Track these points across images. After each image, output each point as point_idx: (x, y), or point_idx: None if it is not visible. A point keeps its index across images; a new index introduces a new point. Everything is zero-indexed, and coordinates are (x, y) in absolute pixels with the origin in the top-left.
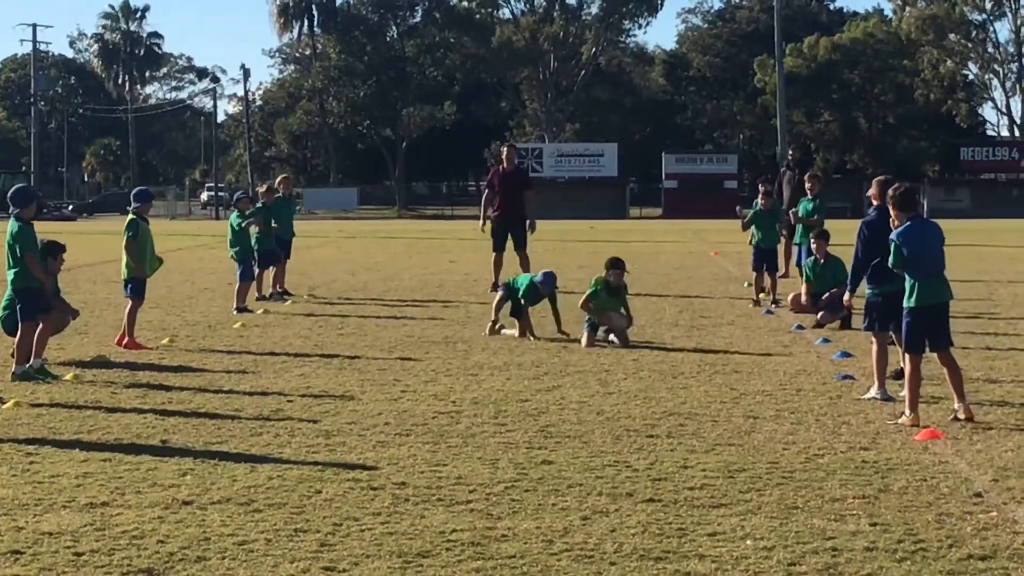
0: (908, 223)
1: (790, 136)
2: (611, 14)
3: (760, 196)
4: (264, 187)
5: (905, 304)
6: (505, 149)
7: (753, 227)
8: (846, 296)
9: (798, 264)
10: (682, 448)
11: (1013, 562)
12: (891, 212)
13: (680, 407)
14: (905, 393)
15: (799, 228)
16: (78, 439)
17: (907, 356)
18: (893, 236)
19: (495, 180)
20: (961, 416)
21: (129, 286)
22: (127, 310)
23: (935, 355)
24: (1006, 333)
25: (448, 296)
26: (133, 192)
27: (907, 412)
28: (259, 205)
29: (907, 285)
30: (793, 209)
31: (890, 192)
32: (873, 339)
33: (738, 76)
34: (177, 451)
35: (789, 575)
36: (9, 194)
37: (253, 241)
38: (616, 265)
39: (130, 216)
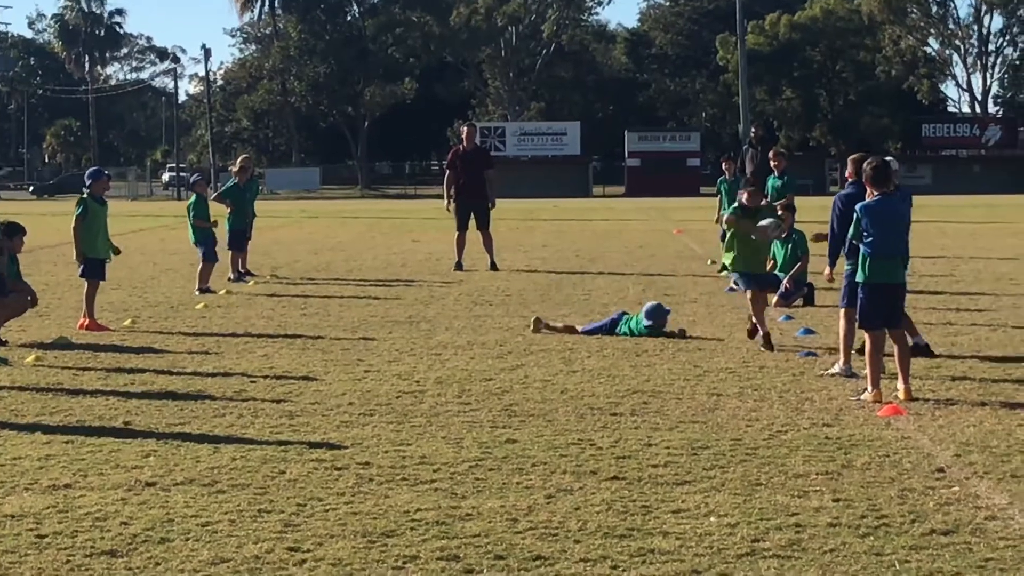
0: (877, 198)
1: (752, 114)
2: None
3: (725, 172)
4: (237, 167)
5: (857, 279)
6: (465, 128)
7: (725, 200)
8: (826, 271)
9: None
10: (646, 426)
11: (975, 537)
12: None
13: (644, 385)
14: (867, 370)
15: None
16: (40, 421)
17: (866, 333)
18: (857, 207)
19: (456, 160)
20: (901, 397)
21: (82, 267)
22: (84, 292)
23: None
24: (967, 308)
25: (411, 276)
26: (87, 172)
27: (869, 388)
28: (231, 184)
29: (859, 258)
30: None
31: (865, 167)
32: (842, 314)
33: (700, 54)
34: (140, 433)
35: (753, 551)
36: None
37: (226, 221)
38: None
39: (81, 195)
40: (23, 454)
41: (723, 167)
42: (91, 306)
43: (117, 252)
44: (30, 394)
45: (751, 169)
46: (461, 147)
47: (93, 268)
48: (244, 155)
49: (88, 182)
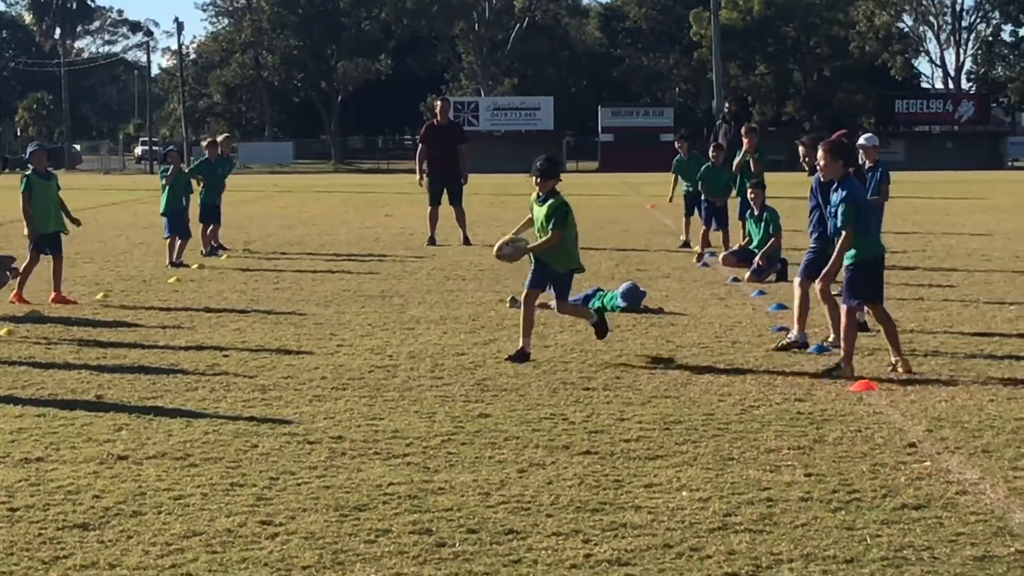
0: (850, 177)
1: (726, 89)
2: None
3: (680, 151)
4: (207, 141)
5: (848, 260)
6: (439, 103)
7: (680, 177)
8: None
9: (740, 217)
10: (618, 400)
11: (946, 511)
12: (828, 166)
13: (616, 360)
14: (841, 345)
15: (739, 181)
16: (12, 394)
17: (846, 309)
18: (847, 194)
19: (429, 134)
20: (900, 370)
21: (32, 243)
22: (52, 267)
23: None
24: (940, 284)
25: (384, 250)
26: (28, 147)
27: (843, 365)
28: (203, 159)
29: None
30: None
31: (826, 146)
32: (796, 283)
33: (674, 29)
34: (112, 406)
35: (725, 525)
36: None
37: (198, 196)
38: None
39: (24, 172)
40: None
41: (676, 146)
42: (57, 280)
43: (77, 223)
44: (1, 367)
45: (723, 144)
46: (435, 121)
47: (45, 243)
48: (226, 134)
49: (27, 156)
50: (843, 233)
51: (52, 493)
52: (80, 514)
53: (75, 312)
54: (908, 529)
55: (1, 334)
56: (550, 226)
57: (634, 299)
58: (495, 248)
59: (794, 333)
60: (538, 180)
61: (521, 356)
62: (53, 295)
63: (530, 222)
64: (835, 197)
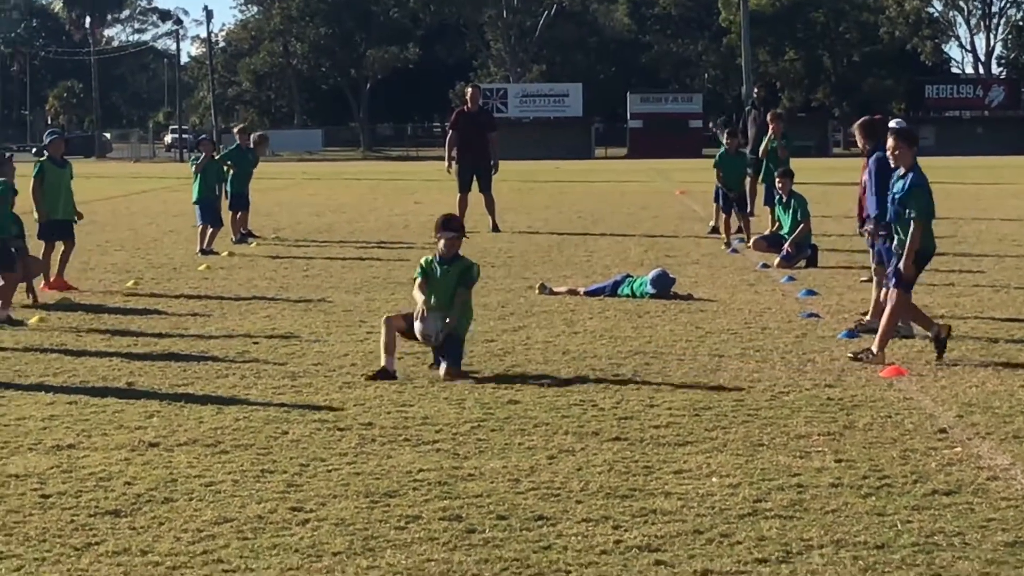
0: (918, 164)
1: (755, 75)
2: None
3: (725, 140)
4: (239, 128)
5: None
6: (469, 90)
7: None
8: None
9: (767, 203)
10: (648, 387)
11: (977, 497)
12: (897, 150)
13: (646, 346)
14: (881, 328)
15: (764, 167)
16: (44, 382)
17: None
18: (918, 182)
19: (460, 121)
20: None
21: (40, 228)
22: (59, 254)
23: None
24: (970, 270)
25: (413, 237)
26: (45, 135)
27: (875, 351)
28: (234, 146)
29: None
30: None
31: (893, 125)
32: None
33: (703, 15)
34: (143, 393)
35: (755, 512)
36: None
37: (227, 183)
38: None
39: (39, 159)
40: (27, 414)
41: (725, 140)
42: (63, 265)
43: (79, 217)
44: (34, 355)
45: (753, 131)
46: (465, 108)
47: (54, 230)
48: (261, 132)
49: (45, 142)
50: (917, 222)
51: (84, 480)
52: (112, 501)
53: (106, 300)
54: (939, 515)
55: (33, 322)
56: (459, 289)
57: (664, 285)
58: (419, 329)
59: (914, 328)
60: (449, 241)
61: (383, 374)
62: (55, 279)
63: (421, 286)
64: (900, 184)
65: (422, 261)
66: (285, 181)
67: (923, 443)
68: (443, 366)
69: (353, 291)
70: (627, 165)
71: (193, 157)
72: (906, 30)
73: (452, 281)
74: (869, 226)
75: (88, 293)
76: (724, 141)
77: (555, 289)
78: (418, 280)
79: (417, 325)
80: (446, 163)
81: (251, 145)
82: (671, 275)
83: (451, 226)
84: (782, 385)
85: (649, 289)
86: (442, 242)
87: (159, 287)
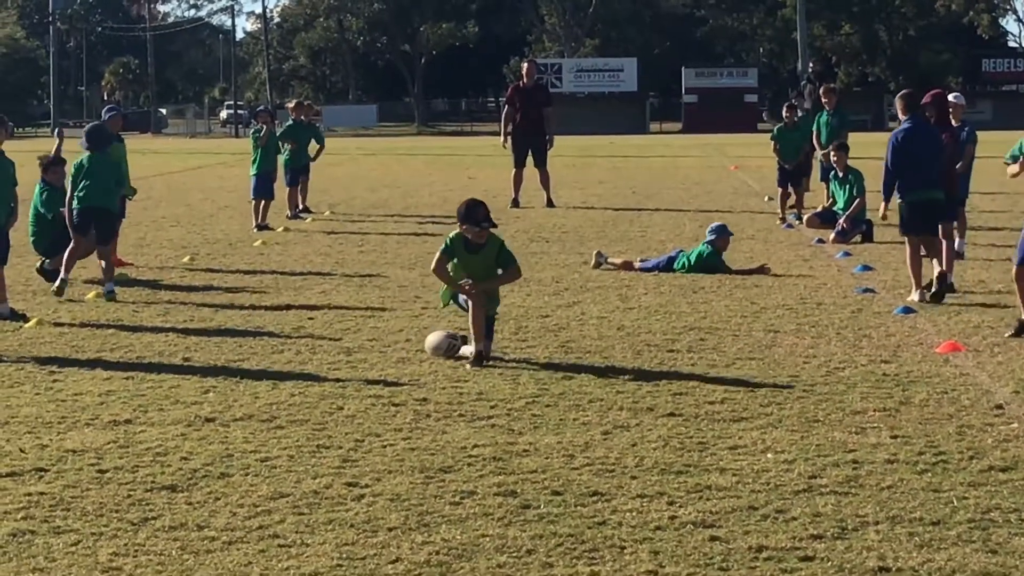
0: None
1: (811, 50)
2: None
3: (786, 120)
4: (294, 104)
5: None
6: (525, 65)
7: (779, 145)
8: (881, 207)
9: (823, 179)
10: (703, 363)
11: None
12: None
13: (701, 322)
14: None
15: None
16: (100, 358)
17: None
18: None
19: (515, 96)
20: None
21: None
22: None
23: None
24: None
25: None
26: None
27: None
28: (290, 123)
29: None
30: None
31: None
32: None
33: None
34: (199, 369)
35: (810, 488)
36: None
37: (284, 159)
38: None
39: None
40: (84, 390)
41: (784, 115)
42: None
43: (134, 192)
44: (90, 330)
45: (808, 104)
46: (521, 83)
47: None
48: (306, 102)
49: (104, 118)
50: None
51: (140, 455)
52: (168, 476)
53: (162, 275)
54: (995, 491)
55: (89, 297)
56: (510, 268)
57: (721, 234)
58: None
59: (914, 294)
60: (478, 233)
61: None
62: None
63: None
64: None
65: (450, 238)
66: (340, 157)
67: (979, 419)
68: (467, 349)
69: (408, 266)
70: (682, 140)
71: (255, 130)
72: (963, 3)
73: (490, 262)
74: None
75: (144, 268)
76: (784, 114)
77: (611, 260)
78: (439, 256)
79: (429, 340)
80: (502, 138)
81: (305, 119)
82: (729, 229)
83: (475, 218)
84: (837, 361)
85: (708, 237)
86: (471, 234)
87: (215, 263)
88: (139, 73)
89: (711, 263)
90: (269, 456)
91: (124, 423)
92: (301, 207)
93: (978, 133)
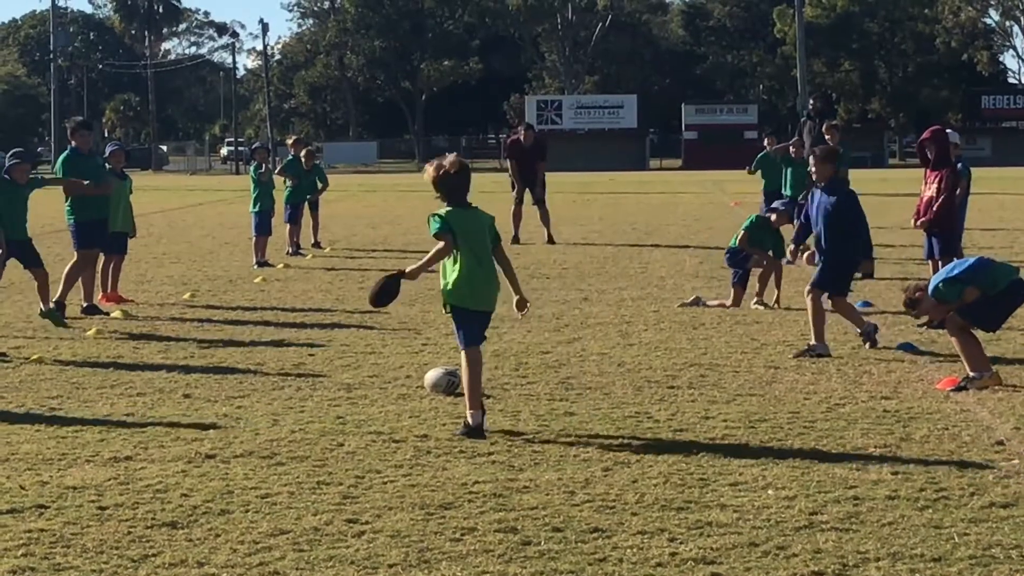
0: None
1: (811, 86)
2: None
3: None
4: (293, 140)
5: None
6: (523, 131)
7: (760, 173)
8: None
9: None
10: (703, 399)
11: None
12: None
13: (701, 358)
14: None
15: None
16: (101, 393)
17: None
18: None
19: (515, 151)
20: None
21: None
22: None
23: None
24: None
25: None
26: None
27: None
28: (290, 158)
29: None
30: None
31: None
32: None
33: (758, 26)
34: (200, 405)
35: (811, 524)
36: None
37: (285, 195)
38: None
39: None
40: (85, 426)
41: (766, 142)
42: (116, 278)
43: (134, 234)
44: (90, 367)
45: (809, 142)
46: (521, 138)
47: (110, 240)
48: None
49: (106, 155)
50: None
51: (141, 492)
52: (169, 512)
53: (162, 312)
54: (996, 528)
55: (90, 334)
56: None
57: (783, 211)
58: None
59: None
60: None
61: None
62: (110, 292)
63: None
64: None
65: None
66: (340, 193)
67: (980, 455)
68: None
69: (408, 303)
70: (682, 176)
71: (254, 166)
72: (962, 40)
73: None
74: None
75: (145, 305)
76: (791, 151)
77: (708, 303)
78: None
79: (429, 377)
80: (513, 188)
81: (307, 166)
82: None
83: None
84: (838, 397)
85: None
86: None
87: (215, 299)
88: (140, 110)
89: (756, 237)
90: (269, 493)
91: (124, 459)
92: (313, 242)
93: (978, 170)
